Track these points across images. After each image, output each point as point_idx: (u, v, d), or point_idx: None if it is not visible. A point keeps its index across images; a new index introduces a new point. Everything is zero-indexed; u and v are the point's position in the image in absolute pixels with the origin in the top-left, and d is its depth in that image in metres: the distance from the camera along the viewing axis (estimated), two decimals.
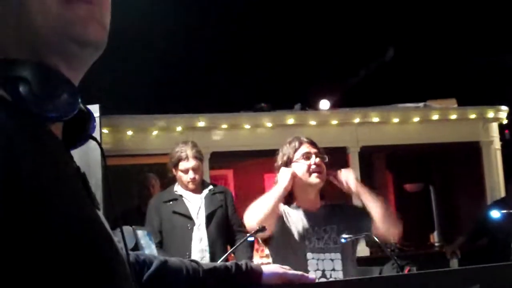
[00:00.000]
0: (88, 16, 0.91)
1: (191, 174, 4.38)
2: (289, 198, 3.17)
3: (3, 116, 0.79)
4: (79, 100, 0.92)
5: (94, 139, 1.07)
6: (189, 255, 4.17)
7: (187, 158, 4.36)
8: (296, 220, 3.08)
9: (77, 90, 0.92)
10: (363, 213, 3.23)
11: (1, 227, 0.71)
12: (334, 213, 3.16)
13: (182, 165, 4.37)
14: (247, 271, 1.51)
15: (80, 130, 1.03)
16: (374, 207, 3.05)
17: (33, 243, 0.73)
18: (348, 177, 3.14)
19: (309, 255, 3.00)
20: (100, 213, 0.94)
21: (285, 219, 3.08)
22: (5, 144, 0.75)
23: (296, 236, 3.04)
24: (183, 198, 4.44)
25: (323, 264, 2.99)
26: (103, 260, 0.83)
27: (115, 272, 0.84)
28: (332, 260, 3.02)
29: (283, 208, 3.13)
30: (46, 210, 0.76)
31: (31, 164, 0.77)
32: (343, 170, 3.19)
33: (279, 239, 3.05)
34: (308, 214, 3.11)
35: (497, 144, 8.28)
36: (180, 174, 4.41)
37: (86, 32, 0.91)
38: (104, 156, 1.15)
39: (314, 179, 3.07)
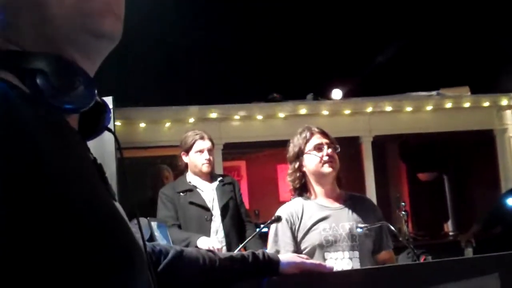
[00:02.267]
0: (104, 8, 0.92)
1: (206, 155, 4.36)
2: (305, 191, 3.14)
3: (23, 108, 0.79)
4: (96, 92, 0.93)
5: (110, 130, 1.08)
6: None
7: (203, 138, 4.37)
8: (315, 217, 3.02)
9: (94, 82, 0.93)
10: (374, 205, 3.22)
11: (28, 214, 0.71)
12: (352, 207, 3.09)
13: (198, 145, 4.35)
14: (264, 260, 1.50)
15: (96, 122, 1.04)
16: None
17: (58, 230, 0.74)
18: None
19: (327, 255, 2.94)
20: (117, 204, 0.94)
21: (304, 216, 3.03)
22: (27, 135, 0.76)
23: (315, 235, 2.98)
24: (198, 189, 4.42)
25: (342, 263, 2.92)
26: (122, 248, 0.83)
27: (134, 260, 0.85)
28: (350, 259, 2.96)
29: (302, 203, 3.09)
30: (69, 198, 0.77)
31: (52, 155, 0.78)
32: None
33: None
34: (326, 211, 3.05)
35: (511, 132, 8.22)
36: (194, 157, 4.38)
37: (102, 24, 0.92)
38: (120, 147, 1.15)
39: (327, 168, 3.04)
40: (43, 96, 0.84)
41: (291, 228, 2.98)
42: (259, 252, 1.53)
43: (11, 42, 0.88)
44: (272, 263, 1.51)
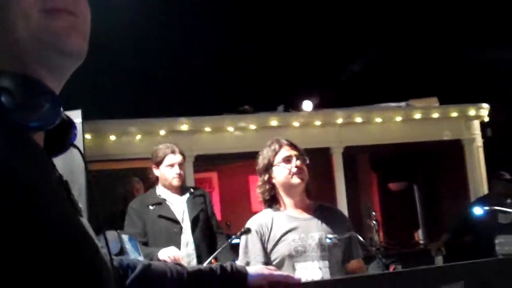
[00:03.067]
0: (70, 27, 0.93)
1: (177, 169, 4.34)
2: (274, 202, 3.15)
3: None
4: (61, 110, 0.94)
5: (76, 147, 1.08)
6: None
7: (174, 152, 4.35)
8: (284, 228, 3.03)
9: (59, 100, 0.93)
10: (343, 215, 3.24)
11: None
12: (321, 217, 3.11)
13: (169, 159, 4.34)
14: (232, 272, 1.51)
15: (62, 138, 1.04)
16: None
17: (23, 249, 0.74)
18: None
19: (297, 265, 2.95)
20: (84, 220, 0.94)
21: (273, 227, 3.04)
22: None
23: (284, 245, 2.99)
24: (167, 202, 4.40)
25: (311, 273, 2.93)
26: (89, 263, 0.84)
27: (101, 276, 0.85)
28: (320, 268, 2.97)
29: (272, 214, 3.09)
30: (35, 216, 0.77)
31: (17, 173, 0.78)
32: None
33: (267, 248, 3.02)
34: (295, 221, 3.06)
35: (479, 141, 8.34)
36: (164, 170, 4.36)
37: (69, 43, 0.93)
38: (86, 162, 1.16)
39: (295, 180, 3.05)
40: (8, 114, 0.84)
41: (261, 240, 2.99)
42: (227, 264, 1.53)
43: None
44: (240, 275, 1.52)
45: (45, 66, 0.93)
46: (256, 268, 1.60)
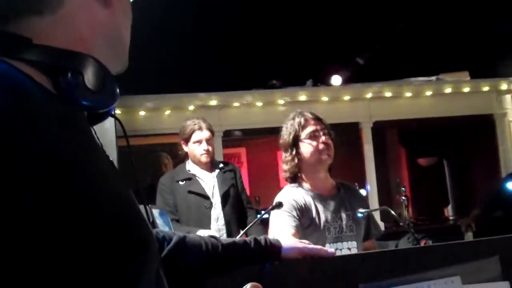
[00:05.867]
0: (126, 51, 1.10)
1: (204, 145, 4.33)
2: (298, 178, 3.10)
3: (43, 102, 0.81)
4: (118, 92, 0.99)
5: (116, 118, 1.11)
6: None
7: (201, 128, 4.33)
8: (314, 205, 2.99)
9: (116, 83, 0.99)
10: (361, 193, 3.22)
11: (50, 205, 0.73)
12: (347, 196, 3.09)
13: (196, 136, 4.33)
14: (266, 245, 1.51)
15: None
16: None
17: (78, 219, 0.75)
18: None
19: (327, 246, 2.89)
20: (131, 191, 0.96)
21: (305, 204, 2.98)
22: (45, 129, 0.77)
23: (317, 226, 2.95)
24: (197, 178, 4.41)
25: (341, 254, 2.90)
26: (139, 234, 0.86)
27: (149, 245, 0.87)
28: (349, 249, 2.95)
29: (300, 190, 3.04)
30: (93, 188, 0.80)
31: (73, 147, 0.80)
32: None
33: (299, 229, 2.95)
34: (323, 201, 3.02)
35: (510, 116, 8.22)
36: (193, 147, 4.36)
37: (124, 63, 1.10)
38: (126, 135, 1.18)
39: (323, 156, 3.00)
40: (72, 94, 0.88)
41: (291, 214, 2.94)
42: (261, 237, 1.54)
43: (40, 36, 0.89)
44: (274, 248, 1.52)
45: (104, 55, 0.98)
46: (289, 241, 1.61)
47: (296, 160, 3.06)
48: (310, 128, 3.05)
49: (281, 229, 2.90)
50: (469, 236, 6.37)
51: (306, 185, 3.09)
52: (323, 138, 3.01)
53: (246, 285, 0.69)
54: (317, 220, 2.96)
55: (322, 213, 2.98)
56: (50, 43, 0.88)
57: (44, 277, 0.71)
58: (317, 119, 3.11)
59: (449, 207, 8.96)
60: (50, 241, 0.72)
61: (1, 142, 0.69)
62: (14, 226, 0.68)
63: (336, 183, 3.15)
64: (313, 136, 3.03)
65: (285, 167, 3.13)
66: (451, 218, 8.57)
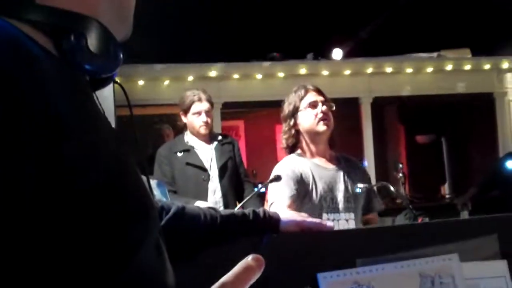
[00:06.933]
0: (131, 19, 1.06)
1: (203, 117, 4.29)
2: (297, 148, 3.10)
3: (51, 65, 0.79)
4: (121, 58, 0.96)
5: (120, 85, 1.11)
6: None
7: (200, 100, 4.29)
8: (312, 176, 2.98)
9: (121, 47, 0.96)
10: (363, 167, 3.20)
11: (51, 162, 0.71)
12: (345, 169, 3.07)
13: (195, 107, 4.30)
14: (265, 217, 1.50)
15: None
16: None
17: (80, 181, 0.74)
18: None
19: (324, 215, 2.90)
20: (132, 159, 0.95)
21: (302, 175, 2.97)
22: (46, 87, 0.75)
23: (313, 195, 2.95)
24: (195, 149, 4.40)
25: (338, 225, 2.89)
26: (139, 200, 0.85)
27: (149, 212, 0.87)
28: (346, 220, 2.95)
29: (299, 161, 3.03)
30: (94, 150, 0.79)
31: (77, 112, 0.79)
32: None
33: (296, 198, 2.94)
34: (322, 171, 3.01)
35: (511, 95, 8.20)
36: (191, 118, 4.33)
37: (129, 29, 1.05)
38: (129, 101, 1.16)
39: (321, 126, 2.98)
40: (74, 57, 0.86)
41: (289, 186, 2.93)
42: (260, 210, 1.53)
43: None
44: (272, 220, 1.51)
45: (108, 20, 0.95)
46: (288, 214, 1.60)
47: (293, 130, 3.07)
48: (310, 98, 3.04)
49: (278, 200, 2.90)
50: (464, 215, 6.41)
51: (305, 155, 3.09)
52: (322, 108, 3.01)
53: (247, 257, 0.68)
54: (314, 190, 2.96)
55: (320, 183, 2.97)
56: (53, 4, 0.86)
57: (43, 234, 0.70)
58: (318, 91, 3.10)
59: (446, 185, 8.99)
60: (49, 200, 0.70)
61: (1, 101, 0.68)
62: (14, 184, 0.67)
63: (337, 155, 3.15)
64: (312, 105, 3.02)
65: (283, 136, 3.15)
66: (447, 196, 8.61)
